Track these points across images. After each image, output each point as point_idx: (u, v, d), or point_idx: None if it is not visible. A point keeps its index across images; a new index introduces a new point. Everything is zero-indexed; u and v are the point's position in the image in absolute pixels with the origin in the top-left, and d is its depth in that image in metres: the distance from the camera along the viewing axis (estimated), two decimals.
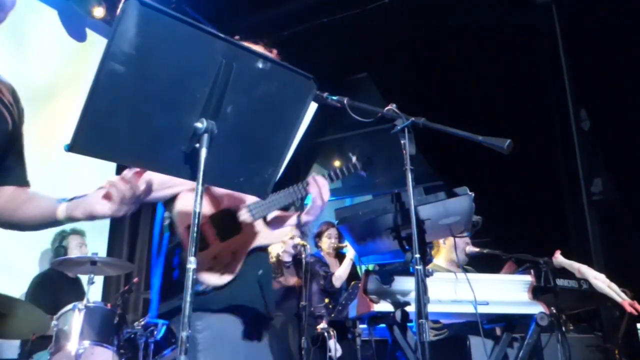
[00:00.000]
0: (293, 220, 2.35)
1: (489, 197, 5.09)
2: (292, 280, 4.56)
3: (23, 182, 1.80)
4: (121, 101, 1.53)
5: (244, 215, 2.15)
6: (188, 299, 1.47)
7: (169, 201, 2.12)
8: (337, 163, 9.72)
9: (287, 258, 4.45)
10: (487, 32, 5.83)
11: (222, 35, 1.61)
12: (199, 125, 1.61)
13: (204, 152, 1.60)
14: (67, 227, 4.58)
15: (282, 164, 1.88)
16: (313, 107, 1.87)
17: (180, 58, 1.56)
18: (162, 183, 2.03)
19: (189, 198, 2.04)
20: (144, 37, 1.45)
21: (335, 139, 8.23)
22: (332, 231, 5.18)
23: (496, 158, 2.33)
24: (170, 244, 2.05)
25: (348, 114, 2.31)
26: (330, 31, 6.35)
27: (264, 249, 2.23)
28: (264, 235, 2.18)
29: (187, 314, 1.46)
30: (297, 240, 4.39)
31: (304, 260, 4.42)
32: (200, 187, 1.55)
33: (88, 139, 1.50)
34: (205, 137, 1.61)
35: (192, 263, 1.50)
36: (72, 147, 1.47)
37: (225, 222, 2.10)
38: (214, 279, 1.98)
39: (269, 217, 2.30)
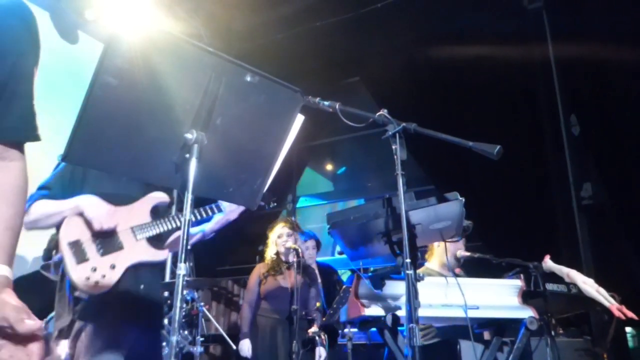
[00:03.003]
0: (197, 237, 2.63)
1: (480, 202, 5.13)
2: (289, 281, 4.56)
3: None
4: (114, 113, 1.56)
5: (125, 235, 2.35)
6: (178, 303, 1.47)
7: (59, 225, 2.34)
8: (329, 167, 9.74)
9: (280, 250, 4.50)
10: (478, 38, 5.86)
11: (211, 50, 1.64)
12: (189, 136, 1.64)
13: (193, 163, 1.62)
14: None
15: (271, 174, 1.91)
16: (300, 118, 1.93)
17: (171, 71, 1.58)
18: (47, 214, 2.31)
19: (74, 219, 2.28)
20: (136, 52, 1.47)
21: (327, 143, 8.24)
22: (311, 242, 5.16)
23: (486, 163, 2.35)
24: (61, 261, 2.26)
25: (340, 118, 2.33)
26: (322, 35, 6.37)
27: (147, 266, 2.42)
28: (147, 253, 2.37)
29: (177, 319, 1.47)
30: (290, 244, 4.40)
31: (297, 263, 4.42)
32: (190, 195, 1.56)
33: (81, 149, 1.52)
34: (195, 147, 1.64)
35: (181, 269, 1.51)
36: (65, 157, 1.49)
37: (107, 240, 2.29)
38: (90, 288, 2.20)
39: (172, 237, 2.52)
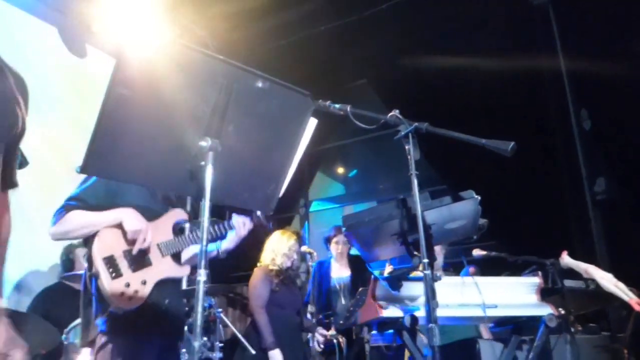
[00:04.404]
0: (212, 254, 2.73)
1: (492, 200, 5.10)
2: (285, 287, 4.54)
3: None
4: (128, 123, 1.58)
5: (153, 251, 2.40)
6: (199, 309, 1.48)
7: (88, 239, 2.36)
8: (340, 170, 9.73)
9: (288, 263, 4.47)
10: (485, 34, 5.85)
11: (221, 57, 1.65)
12: (203, 143, 1.65)
13: (209, 170, 1.63)
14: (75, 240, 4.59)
15: (285, 179, 1.92)
16: (313, 122, 1.95)
17: (183, 80, 1.60)
18: (83, 225, 2.35)
19: (107, 233, 2.31)
20: (148, 62, 1.49)
21: (337, 146, 8.24)
22: (341, 237, 5.18)
23: (498, 161, 2.34)
24: (88, 275, 2.33)
25: (350, 121, 2.33)
26: (329, 38, 6.38)
27: (170, 281, 2.48)
28: (172, 269, 2.44)
29: (198, 324, 1.48)
30: (305, 248, 4.40)
31: (309, 268, 4.43)
32: (207, 202, 1.58)
33: (98, 161, 1.54)
34: (210, 155, 1.65)
35: (202, 275, 1.52)
36: (83, 169, 1.51)
37: (137, 255, 2.34)
38: (122, 303, 2.25)
39: (189, 254, 2.60)
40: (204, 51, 1.62)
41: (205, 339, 4.10)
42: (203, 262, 1.51)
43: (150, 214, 2.45)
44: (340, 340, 4.29)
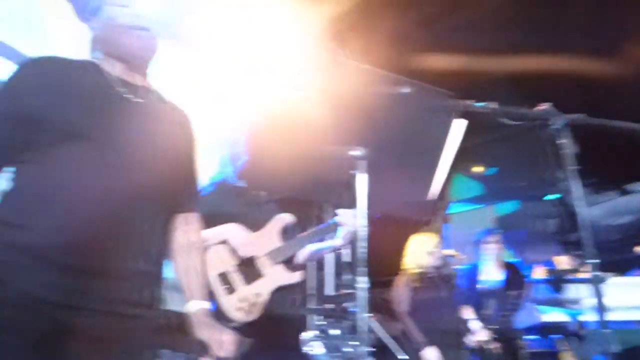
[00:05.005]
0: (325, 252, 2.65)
1: None
2: (437, 293, 4.45)
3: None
4: (279, 135, 1.66)
5: (263, 261, 2.41)
6: (365, 315, 1.52)
7: None
8: (478, 169, 9.41)
9: (433, 270, 4.38)
10: None
11: (366, 66, 1.69)
12: (355, 153, 1.68)
13: (362, 178, 1.67)
14: None
15: (436, 182, 1.90)
16: (462, 123, 1.90)
17: (334, 91, 1.65)
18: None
19: (216, 251, 2.35)
20: (303, 74, 1.56)
21: (474, 144, 7.97)
22: (494, 239, 4.98)
23: None
24: None
25: (487, 118, 2.25)
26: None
27: (285, 289, 2.46)
28: (285, 277, 2.41)
29: (365, 329, 1.51)
30: (447, 250, 4.29)
31: (446, 271, 4.32)
32: (365, 210, 1.61)
33: (258, 177, 1.64)
34: (363, 164, 1.68)
35: (362, 283, 1.56)
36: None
37: (249, 268, 2.36)
38: (241, 316, 2.29)
39: (303, 255, 2.53)
40: (353, 61, 1.65)
41: (356, 342, 4.16)
42: (363, 269, 1.54)
43: (254, 224, 2.49)
44: (494, 346, 4.13)
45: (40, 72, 1.20)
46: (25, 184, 1.17)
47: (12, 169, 1.18)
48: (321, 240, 2.73)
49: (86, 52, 1.29)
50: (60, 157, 1.15)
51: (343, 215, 2.66)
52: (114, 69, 1.25)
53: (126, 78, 1.25)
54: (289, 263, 2.54)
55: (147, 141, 1.23)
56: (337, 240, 2.67)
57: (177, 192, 1.34)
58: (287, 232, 2.53)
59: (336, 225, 2.70)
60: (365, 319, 1.51)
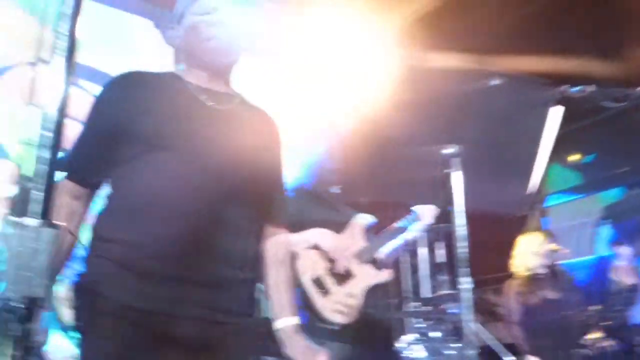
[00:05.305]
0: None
1: None
2: (549, 293, 4.25)
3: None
4: (365, 141, 1.65)
5: (351, 263, 2.40)
6: (470, 317, 1.48)
7: None
8: (574, 157, 8.91)
9: (542, 270, 4.18)
10: None
11: (453, 62, 1.65)
12: (447, 151, 1.65)
13: (457, 176, 1.63)
14: None
15: (536, 174, 1.83)
16: (559, 110, 1.80)
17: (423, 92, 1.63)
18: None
19: (307, 255, 2.37)
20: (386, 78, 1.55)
21: (570, 131, 7.56)
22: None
23: None
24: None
25: (583, 102, 2.12)
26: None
27: (380, 291, 2.46)
28: (374, 276, 2.41)
29: (471, 331, 1.47)
30: (552, 246, 4.09)
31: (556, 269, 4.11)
32: (463, 208, 1.58)
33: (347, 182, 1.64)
34: (455, 161, 1.64)
35: (465, 283, 1.52)
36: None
37: (340, 271, 2.38)
38: (338, 318, 2.31)
39: (387, 251, 2.51)
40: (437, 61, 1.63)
41: (459, 345, 4.07)
42: (466, 270, 1.50)
43: (336, 227, 2.49)
44: (608, 344, 3.88)
45: (125, 86, 1.23)
46: (116, 197, 1.20)
47: (106, 184, 1.22)
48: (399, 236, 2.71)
49: (170, 68, 1.32)
50: (148, 169, 1.17)
51: (419, 210, 2.63)
52: (197, 78, 1.26)
53: (209, 86, 1.27)
54: (375, 262, 2.55)
55: (233, 147, 1.23)
56: (411, 233, 2.64)
57: (266, 199, 1.33)
58: (369, 232, 2.55)
59: (414, 220, 2.67)
60: (471, 320, 1.46)
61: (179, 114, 1.21)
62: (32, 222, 0.65)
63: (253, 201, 1.27)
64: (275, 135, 1.38)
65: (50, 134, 0.69)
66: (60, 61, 0.73)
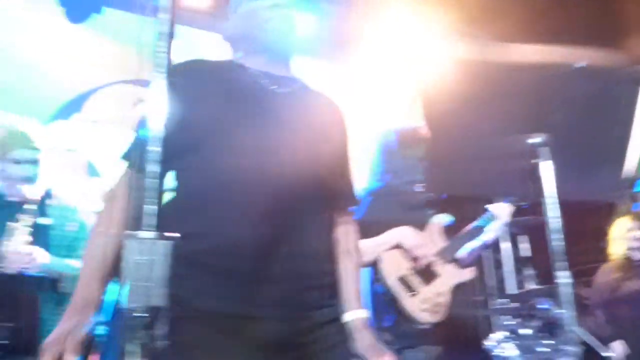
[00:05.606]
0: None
1: None
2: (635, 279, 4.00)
3: None
4: (450, 134, 1.62)
5: (436, 262, 2.38)
6: (571, 313, 1.42)
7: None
8: None
9: (633, 250, 3.94)
10: None
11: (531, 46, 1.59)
12: (535, 140, 1.60)
13: (546, 165, 1.58)
14: None
15: (631, 157, 1.74)
16: None
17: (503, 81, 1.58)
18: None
19: (391, 256, 2.33)
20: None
21: None
22: None
23: None
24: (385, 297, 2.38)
25: None
26: None
27: (466, 290, 2.43)
28: (458, 275, 2.39)
29: (574, 330, 1.41)
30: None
31: None
32: (555, 199, 1.52)
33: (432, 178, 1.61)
34: (544, 150, 1.59)
35: (564, 277, 1.46)
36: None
37: (424, 269, 2.35)
38: (428, 317, 2.28)
39: (468, 250, 2.47)
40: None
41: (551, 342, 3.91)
42: (563, 264, 1.44)
43: (418, 226, 2.45)
44: None
45: (185, 73, 1.19)
46: (186, 190, 1.16)
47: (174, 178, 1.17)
48: (478, 236, 2.66)
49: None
50: (212, 156, 1.14)
51: (495, 208, 2.58)
52: (257, 63, 1.24)
53: (269, 70, 1.24)
54: (457, 261, 2.52)
55: (299, 130, 1.20)
56: (489, 234, 2.58)
57: (334, 184, 1.27)
58: (449, 232, 2.52)
59: (490, 219, 2.61)
60: (571, 316, 1.40)
61: (239, 97, 1.19)
62: (147, 234, 0.68)
63: (320, 186, 1.21)
64: (338, 118, 1.34)
65: (158, 149, 0.72)
66: (160, 78, 0.76)
